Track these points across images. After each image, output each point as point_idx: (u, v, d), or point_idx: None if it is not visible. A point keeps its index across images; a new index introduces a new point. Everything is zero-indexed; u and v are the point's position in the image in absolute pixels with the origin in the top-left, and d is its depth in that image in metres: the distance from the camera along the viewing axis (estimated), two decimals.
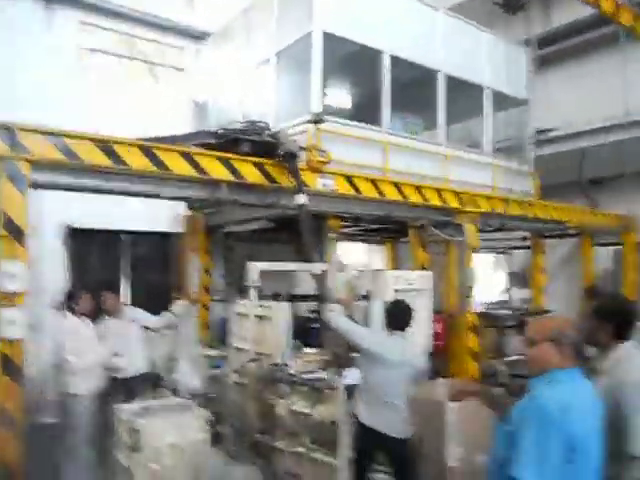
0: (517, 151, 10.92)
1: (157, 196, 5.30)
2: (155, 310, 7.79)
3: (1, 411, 4.07)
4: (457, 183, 8.38)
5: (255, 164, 5.57)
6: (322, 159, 6.09)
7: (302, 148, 5.90)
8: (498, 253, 13.82)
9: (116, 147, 4.76)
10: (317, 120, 6.26)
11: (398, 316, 4.52)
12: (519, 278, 12.65)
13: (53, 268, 9.61)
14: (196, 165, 5.16)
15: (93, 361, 4.83)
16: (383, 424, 4.30)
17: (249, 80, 9.14)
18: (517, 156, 10.75)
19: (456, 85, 9.96)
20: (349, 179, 6.12)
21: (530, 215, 8.44)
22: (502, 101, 10.63)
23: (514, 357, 7.65)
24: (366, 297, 6.27)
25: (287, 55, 8.25)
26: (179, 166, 5.08)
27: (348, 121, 7.59)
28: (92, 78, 10.32)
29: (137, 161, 4.87)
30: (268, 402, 5.04)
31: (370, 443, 4.36)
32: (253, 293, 5.73)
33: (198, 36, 11.12)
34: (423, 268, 7.78)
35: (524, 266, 12.27)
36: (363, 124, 7.58)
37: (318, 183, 5.86)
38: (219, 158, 5.35)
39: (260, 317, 5.52)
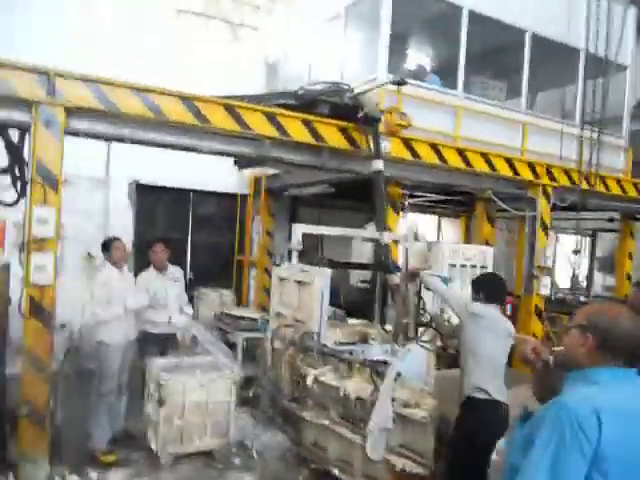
0: (613, 123, 9.83)
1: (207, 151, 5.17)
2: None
3: (32, 355, 4.14)
4: (538, 155, 7.65)
5: (332, 126, 5.42)
6: (402, 122, 5.73)
7: (382, 111, 5.61)
8: (584, 235, 12.74)
9: (156, 99, 4.65)
10: (400, 82, 5.84)
11: (496, 289, 4.05)
12: (605, 263, 11.61)
13: (121, 222, 9.97)
14: (277, 124, 5.10)
15: (117, 314, 4.81)
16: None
17: (318, 37, 8.77)
18: (612, 129, 9.70)
19: (546, 47, 9.09)
20: (406, 142, 5.67)
21: (616, 193, 7.55)
22: (600, 67, 9.60)
23: None
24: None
25: (356, 10, 7.79)
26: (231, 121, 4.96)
27: (420, 82, 7.06)
28: (176, 37, 10.37)
29: (179, 114, 4.74)
30: (300, 370, 4.84)
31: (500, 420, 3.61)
32: (295, 256, 5.52)
33: None
34: (487, 244, 7.20)
35: (612, 250, 11.24)
36: (435, 86, 7.01)
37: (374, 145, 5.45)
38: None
39: (299, 282, 5.29)
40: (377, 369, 4.12)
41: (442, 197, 8.87)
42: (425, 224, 12.27)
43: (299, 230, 5.45)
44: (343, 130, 5.46)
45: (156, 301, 5.42)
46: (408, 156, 5.73)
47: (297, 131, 5.21)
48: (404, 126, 5.78)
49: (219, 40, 11.46)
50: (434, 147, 5.91)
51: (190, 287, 9.98)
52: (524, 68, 8.30)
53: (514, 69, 8.89)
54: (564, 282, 13.47)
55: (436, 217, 12.81)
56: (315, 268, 5.25)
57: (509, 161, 6.36)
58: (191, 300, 8.48)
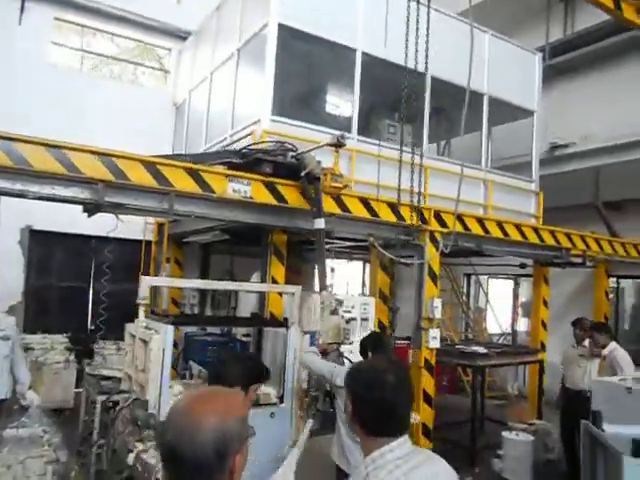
0: (527, 168, 9.76)
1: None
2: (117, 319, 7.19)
3: None
4: (442, 200, 7.39)
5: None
6: (336, 184, 5.70)
7: (324, 170, 5.60)
8: (508, 279, 12.57)
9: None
10: (338, 144, 5.64)
11: (374, 346, 4.21)
12: (528, 309, 11.37)
13: (10, 271, 9.30)
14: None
15: None
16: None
17: (217, 79, 8.50)
18: (525, 173, 9.61)
19: (450, 91, 9.02)
20: (269, 185, 5.27)
21: (515, 239, 7.30)
22: (507, 112, 9.57)
23: None
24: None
25: (246, 51, 7.55)
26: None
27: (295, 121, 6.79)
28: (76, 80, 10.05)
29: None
30: (128, 445, 4.23)
31: None
32: (142, 311, 4.97)
33: (183, 36, 10.60)
34: (381, 294, 6.80)
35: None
36: (313, 125, 6.73)
37: (228, 188, 5.03)
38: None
39: (144, 341, 4.72)
40: None
41: (349, 243, 8.50)
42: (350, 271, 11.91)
43: (146, 283, 4.92)
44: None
45: None
46: (272, 200, 5.32)
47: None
48: (340, 188, 5.74)
49: (126, 84, 11.21)
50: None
51: (88, 339, 9.35)
52: (424, 112, 8.10)
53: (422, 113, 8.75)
54: (495, 328, 13.22)
55: (361, 263, 12.48)
56: (159, 324, 4.71)
57: (392, 206, 6.02)
58: (91, 355, 7.82)
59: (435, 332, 5.91)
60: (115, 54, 11.37)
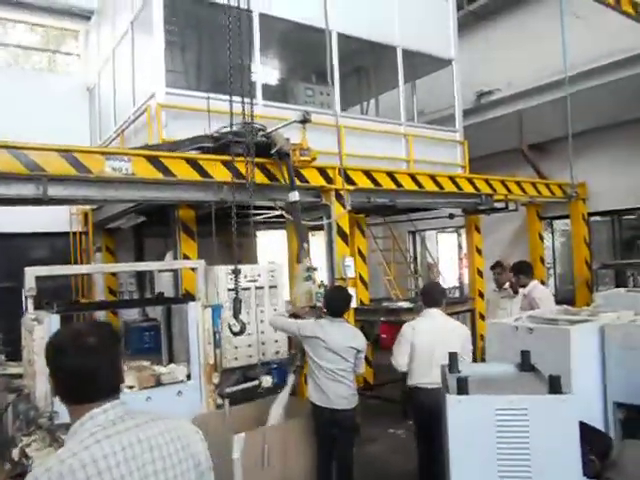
0: (451, 118, 9.68)
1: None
2: None
3: None
4: (363, 159, 7.30)
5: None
6: (305, 158, 5.92)
7: (294, 145, 5.85)
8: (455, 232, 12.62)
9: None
10: (304, 120, 5.84)
11: (337, 302, 4.52)
12: None
13: None
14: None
15: None
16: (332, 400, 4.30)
17: (118, 57, 8.18)
18: (453, 125, 9.53)
19: (365, 48, 8.83)
20: (153, 160, 5.08)
21: (431, 190, 7.23)
22: (426, 63, 9.42)
23: None
24: None
25: (139, 23, 7.25)
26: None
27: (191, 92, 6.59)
28: None
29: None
30: (16, 441, 4.10)
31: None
32: (30, 303, 4.80)
33: (88, 16, 10.17)
34: (297, 260, 6.69)
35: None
36: (208, 94, 6.51)
37: (106, 167, 4.83)
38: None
39: (29, 332, 4.57)
40: (56, 434, 3.47)
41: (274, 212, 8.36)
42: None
43: (30, 273, 4.74)
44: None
45: None
46: (158, 174, 5.13)
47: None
48: (308, 161, 5.96)
49: (39, 70, 10.80)
50: (191, 161, 5.32)
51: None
52: (332, 68, 7.89)
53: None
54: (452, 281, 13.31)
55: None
56: (43, 314, 4.55)
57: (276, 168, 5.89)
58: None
59: (351, 291, 5.82)
60: (38, 43, 10.99)
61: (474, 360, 8.03)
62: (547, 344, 3.71)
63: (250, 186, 4.63)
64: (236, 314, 4.86)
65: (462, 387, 2.39)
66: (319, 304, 5.17)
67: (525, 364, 2.88)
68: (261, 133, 5.84)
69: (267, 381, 4.65)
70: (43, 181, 4.62)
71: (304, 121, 5.87)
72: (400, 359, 4.57)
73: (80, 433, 1.49)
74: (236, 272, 4.49)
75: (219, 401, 4.95)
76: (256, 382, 4.71)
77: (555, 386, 2.30)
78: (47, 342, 1.58)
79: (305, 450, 4.43)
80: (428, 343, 4.45)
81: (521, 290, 6.40)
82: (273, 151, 5.70)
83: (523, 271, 6.40)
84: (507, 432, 2.26)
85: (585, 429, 2.37)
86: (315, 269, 5.59)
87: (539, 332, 3.90)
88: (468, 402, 2.31)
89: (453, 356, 2.98)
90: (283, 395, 4.72)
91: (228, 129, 5.51)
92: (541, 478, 2.21)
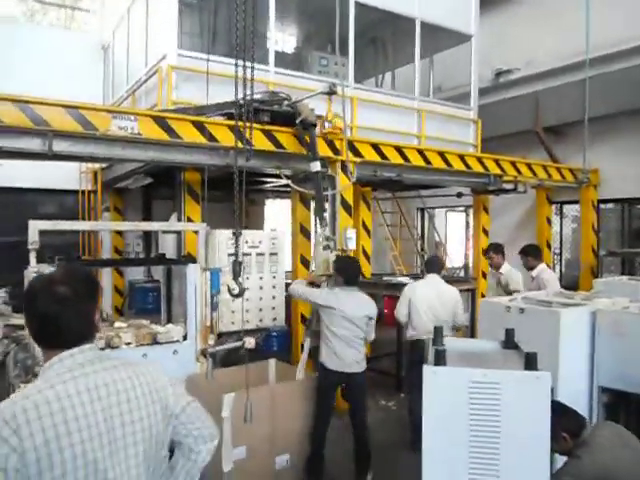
0: (468, 96, 9.54)
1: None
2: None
3: None
4: (374, 132, 7.26)
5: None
6: (329, 130, 6.03)
7: (319, 117, 5.91)
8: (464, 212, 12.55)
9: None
10: (331, 92, 5.88)
11: (352, 271, 4.76)
12: None
13: None
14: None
15: None
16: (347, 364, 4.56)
17: (132, 16, 8.12)
18: (466, 102, 9.40)
19: (382, 18, 8.67)
20: (159, 120, 5.08)
21: (439, 167, 7.17)
22: (444, 38, 9.24)
23: None
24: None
25: None
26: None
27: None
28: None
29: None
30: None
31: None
32: (32, 257, 4.88)
33: None
34: (303, 229, 6.73)
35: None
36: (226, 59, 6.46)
37: (112, 125, 4.85)
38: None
39: None
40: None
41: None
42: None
43: (34, 227, 4.80)
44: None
45: None
46: (164, 136, 5.14)
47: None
48: (333, 133, 6.05)
49: (56, 27, 10.77)
50: (198, 124, 5.32)
51: None
52: (349, 39, 7.80)
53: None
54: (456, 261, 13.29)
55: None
56: (43, 267, 4.63)
57: (297, 137, 5.86)
58: None
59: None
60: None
61: (472, 336, 8.12)
62: (538, 325, 3.74)
63: (249, 152, 4.60)
64: (236, 276, 4.90)
65: (439, 358, 2.43)
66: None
67: (509, 341, 2.91)
68: (286, 102, 5.88)
69: (250, 342, 4.69)
70: (49, 136, 4.65)
71: (330, 93, 5.91)
72: (400, 314, 5.54)
73: (47, 373, 1.54)
74: (237, 235, 4.49)
75: (201, 360, 5.04)
76: (239, 343, 4.75)
77: (531, 363, 2.32)
78: (26, 289, 1.63)
79: (293, 412, 4.53)
80: (424, 297, 5.39)
81: (529, 273, 6.46)
82: (298, 121, 5.72)
83: (531, 253, 6.47)
84: (479, 404, 2.29)
85: (559, 407, 2.41)
86: (334, 239, 5.70)
87: (530, 313, 3.93)
88: (443, 373, 2.34)
89: (438, 330, 3.01)
90: (303, 357, 5.03)
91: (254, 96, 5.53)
92: (509, 451, 2.25)
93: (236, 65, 3.93)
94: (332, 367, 4.55)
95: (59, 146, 4.74)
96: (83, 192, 9.68)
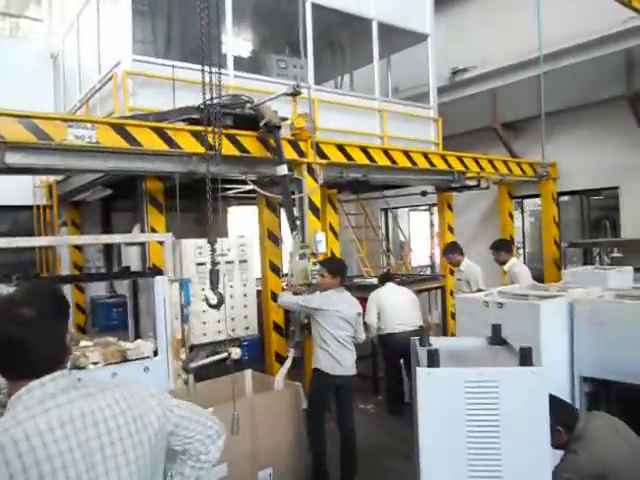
0: (425, 96, 9.60)
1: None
2: None
3: None
4: (337, 133, 7.19)
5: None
6: (296, 132, 5.95)
7: (284, 119, 5.81)
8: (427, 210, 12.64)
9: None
10: (295, 92, 5.77)
11: (343, 268, 4.96)
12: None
13: None
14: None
15: None
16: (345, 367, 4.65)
17: (83, 23, 7.85)
18: (424, 102, 9.45)
19: (339, 20, 8.64)
20: (118, 128, 4.88)
21: (404, 166, 7.16)
22: (401, 38, 9.28)
23: None
24: None
25: None
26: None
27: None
28: None
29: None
30: None
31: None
32: None
33: None
34: (270, 234, 6.58)
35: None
36: (183, 63, 6.31)
37: (68, 134, 4.62)
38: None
39: None
40: None
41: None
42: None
43: None
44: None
45: None
46: (124, 144, 4.94)
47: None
48: (301, 134, 5.95)
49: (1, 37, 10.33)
50: (158, 130, 5.11)
51: None
52: (306, 40, 7.71)
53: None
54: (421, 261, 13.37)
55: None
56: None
57: (262, 141, 5.74)
58: None
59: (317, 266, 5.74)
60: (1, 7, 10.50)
61: (444, 334, 8.15)
62: (517, 319, 3.72)
63: (216, 157, 4.44)
64: (214, 286, 4.70)
65: (432, 360, 2.35)
66: (315, 281, 5.28)
67: (496, 337, 2.86)
68: (249, 105, 5.78)
69: (236, 353, 4.55)
70: (0, 148, 4.39)
71: (295, 94, 5.82)
72: (372, 317, 6.18)
73: (15, 407, 1.35)
74: (212, 242, 4.32)
75: (184, 376, 4.85)
76: (225, 354, 4.60)
77: (526, 358, 2.27)
78: None
79: (275, 423, 4.40)
80: (387, 298, 6.30)
81: (502, 267, 6.54)
82: (262, 124, 5.62)
83: (503, 248, 6.61)
84: (477, 404, 2.23)
85: (553, 400, 2.36)
86: (307, 246, 5.65)
87: (509, 307, 3.92)
88: (438, 374, 2.27)
89: (424, 332, 2.95)
90: (284, 367, 5.00)
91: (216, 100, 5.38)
92: (510, 449, 2.19)
93: (203, 71, 3.83)
94: (330, 371, 4.56)
95: (12, 158, 4.48)
96: (38, 207, 9.29)
